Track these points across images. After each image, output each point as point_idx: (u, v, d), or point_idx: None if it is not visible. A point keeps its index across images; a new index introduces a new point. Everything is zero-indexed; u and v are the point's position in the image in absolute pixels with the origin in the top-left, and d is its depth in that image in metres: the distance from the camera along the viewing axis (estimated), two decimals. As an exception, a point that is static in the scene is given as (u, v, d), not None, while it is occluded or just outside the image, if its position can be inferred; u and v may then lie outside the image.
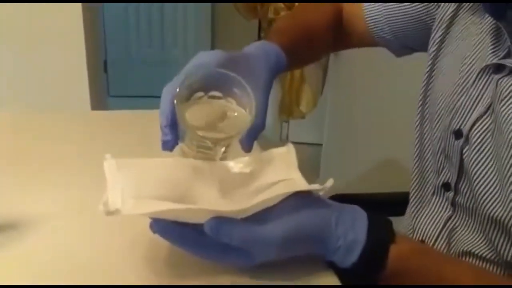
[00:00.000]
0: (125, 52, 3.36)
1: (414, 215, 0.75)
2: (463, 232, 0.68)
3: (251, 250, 0.50)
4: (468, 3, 0.69)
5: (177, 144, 0.59)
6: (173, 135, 0.58)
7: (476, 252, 0.65)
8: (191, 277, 0.56)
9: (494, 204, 0.60)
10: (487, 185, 0.61)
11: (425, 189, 0.74)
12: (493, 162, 0.60)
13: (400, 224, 0.80)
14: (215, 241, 0.50)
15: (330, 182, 0.53)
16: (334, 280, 0.56)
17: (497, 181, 0.60)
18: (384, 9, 0.80)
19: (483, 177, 0.61)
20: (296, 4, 2.08)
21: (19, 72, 1.62)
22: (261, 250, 0.51)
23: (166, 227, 0.51)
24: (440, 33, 0.73)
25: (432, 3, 0.76)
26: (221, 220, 0.49)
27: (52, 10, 1.55)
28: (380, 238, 0.52)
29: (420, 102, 0.75)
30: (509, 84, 0.60)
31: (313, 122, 2.47)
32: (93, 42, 1.78)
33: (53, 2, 1.53)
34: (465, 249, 0.67)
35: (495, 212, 0.60)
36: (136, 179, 0.54)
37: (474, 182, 0.62)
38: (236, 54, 0.63)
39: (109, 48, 3.31)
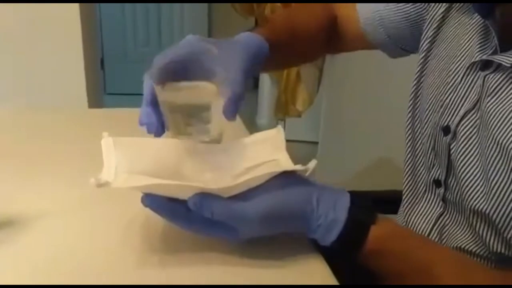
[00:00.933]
0: (121, 50, 3.36)
1: (407, 213, 0.76)
2: (453, 228, 0.69)
3: (235, 225, 0.52)
4: (458, 4, 0.70)
5: (162, 130, 0.61)
6: (157, 116, 0.61)
7: (467, 247, 0.66)
8: (187, 265, 0.57)
9: (479, 198, 0.61)
10: (472, 179, 0.62)
11: (418, 187, 0.75)
12: (479, 157, 0.61)
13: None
14: (202, 216, 0.52)
15: (313, 163, 0.56)
16: (320, 259, 0.58)
17: (482, 175, 0.61)
18: (377, 11, 0.81)
19: (468, 171, 0.62)
20: (293, 4, 2.08)
21: (16, 70, 1.62)
22: (244, 226, 0.53)
23: (157, 201, 0.53)
24: (431, 33, 0.74)
25: (421, 4, 0.77)
26: (203, 196, 0.51)
27: (49, 9, 1.55)
28: (360, 218, 0.54)
29: (411, 101, 0.76)
30: (496, 79, 0.61)
31: (309, 121, 2.48)
32: (90, 40, 1.78)
33: (50, 2, 1.53)
34: (456, 245, 0.67)
35: (480, 206, 0.61)
36: (130, 156, 0.57)
37: (460, 177, 0.63)
38: (210, 40, 0.66)
39: (105, 46, 3.31)
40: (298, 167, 0.55)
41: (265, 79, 2.91)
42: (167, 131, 0.63)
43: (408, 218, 0.75)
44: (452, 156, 0.65)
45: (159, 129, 0.61)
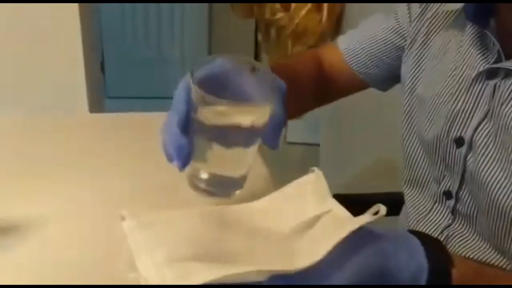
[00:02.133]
0: (122, 53, 3.36)
1: (412, 223, 0.75)
2: (460, 239, 0.69)
3: None
4: (440, 22, 0.71)
5: (191, 153, 0.54)
6: (189, 139, 0.54)
7: (475, 257, 0.66)
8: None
9: (508, 200, 0.61)
10: (497, 185, 0.61)
11: (425, 198, 0.74)
12: (499, 163, 0.61)
13: (395, 224, 0.81)
14: None
15: (383, 210, 0.49)
16: None
17: (506, 180, 0.61)
18: (360, 44, 0.81)
19: (491, 178, 0.62)
20: (292, 5, 2.08)
21: (16, 74, 1.62)
22: None
23: None
24: (415, 52, 0.74)
25: (399, 26, 0.77)
26: (282, 282, 0.44)
27: (48, 11, 1.54)
28: (440, 262, 0.50)
29: (406, 116, 0.76)
30: (508, 86, 0.61)
31: (310, 122, 2.48)
32: (90, 43, 1.77)
33: (49, 2, 1.52)
34: (462, 254, 0.68)
35: (509, 207, 0.61)
36: (163, 238, 0.47)
37: (485, 184, 0.63)
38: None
39: (105, 49, 3.31)
40: (367, 217, 0.48)
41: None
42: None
43: (412, 228, 0.74)
44: (470, 166, 0.65)
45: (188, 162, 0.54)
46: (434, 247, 0.50)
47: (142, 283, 0.43)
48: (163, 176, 0.81)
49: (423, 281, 0.49)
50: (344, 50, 0.83)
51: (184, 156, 0.54)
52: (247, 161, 0.59)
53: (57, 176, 0.80)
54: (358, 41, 0.82)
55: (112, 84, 3.33)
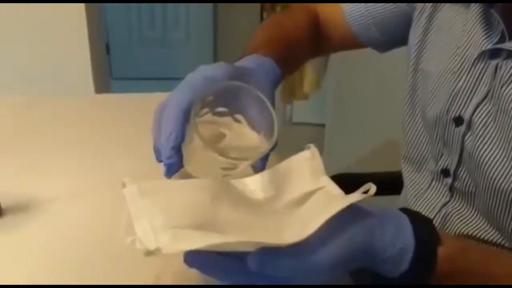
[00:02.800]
0: (127, 34, 3.35)
1: (410, 201, 0.76)
2: (457, 217, 0.69)
3: (298, 277, 0.47)
4: None
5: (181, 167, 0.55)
6: (179, 157, 0.54)
7: (473, 234, 0.67)
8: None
9: (505, 180, 0.61)
10: (495, 164, 0.61)
11: (422, 176, 0.75)
12: (497, 145, 0.61)
13: (395, 204, 0.81)
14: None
15: (373, 189, 0.49)
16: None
17: (504, 161, 0.61)
18: (366, 9, 0.80)
19: (489, 159, 0.62)
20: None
21: (21, 57, 1.63)
22: (309, 278, 0.47)
23: (206, 260, 0.46)
24: (423, 22, 0.73)
25: None
26: (266, 254, 0.45)
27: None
28: (427, 241, 0.50)
29: (409, 91, 0.75)
30: (509, 67, 0.61)
31: (316, 103, 2.47)
32: (95, 25, 1.77)
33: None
34: (460, 231, 0.68)
35: (505, 186, 0.61)
36: (161, 205, 0.48)
37: (482, 164, 0.63)
38: (240, 67, 0.61)
39: (110, 31, 3.30)
40: (358, 196, 0.48)
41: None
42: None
43: (411, 207, 0.75)
44: (468, 146, 0.65)
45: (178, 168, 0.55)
46: (423, 225, 0.51)
47: (138, 246, 0.44)
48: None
49: (407, 260, 0.49)
50: (348, 10, 0.81)
51: (173, 171, 0.55)
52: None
53: (64, 156, 0.81)
54: (364, 6, 0.80)
55: (118, 65, 3.33)
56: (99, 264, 0.58)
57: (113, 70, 3.32)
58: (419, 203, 0.74)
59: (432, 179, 0.73)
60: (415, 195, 0.75)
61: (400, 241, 0.49)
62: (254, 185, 0.54)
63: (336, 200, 0.49)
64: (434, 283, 0.50)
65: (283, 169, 0.55)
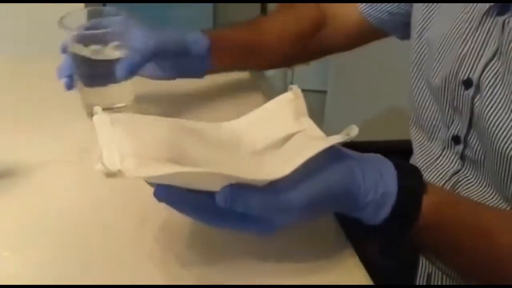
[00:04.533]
0: (126, 12, 3.30)
1: (421, 168, 0.74)
2: (468, 185, 0.68)
3: (273, 218, 0.46)
4: None
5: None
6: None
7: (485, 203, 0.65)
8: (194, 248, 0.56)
9: (511, 145, 0.59)
10: (502, 127, 0.59)
11: (433, 144, 0.73)
12: (504, 106, 0.59)
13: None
14: (233, 210, 0.44)
15: (355, 130, 0.48)
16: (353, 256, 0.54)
17: (510, 124, 0.58)
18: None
19: (497, 120, 0.60)
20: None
21: (26, 23, 1.61)
22: (283, 218, 0.46)
23: (176, 194, 0.45)
24: None
25: None
26: (236, 189, 0.43)
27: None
28: (411, 188, 0.48)
29: (416, 56, 0.73)
30: None
31: (317, 69, 2.44)
32: (93, 4, 1.74)
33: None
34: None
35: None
36: (132, 136, 0.48)
37: (489, 128, 0.61)
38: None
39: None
40: (339, 137, 0.47)
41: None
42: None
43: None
44: (477, 109, 0.63)
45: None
46: (409, 173, 0.49)
47: (99, 167, 0.43)
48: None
49: (387, 208, 0.47)
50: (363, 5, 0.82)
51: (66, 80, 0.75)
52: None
53: (57, 119, 0.80)
54: None
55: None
56: (94, 232, 0.58)
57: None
58: (429, 171, 0.73)
59: (444, 147, 0.71)
60: (426, 164, 0.74)
61: (382, 185, 0.47)
62: (235, 127, 0.54)
63: (316, 141, 0.48)
64: (418, 232, 0.49)
65: (265, 111, 0.54)
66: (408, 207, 0.48)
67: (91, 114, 0.70)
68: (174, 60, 0.75)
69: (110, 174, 0.43)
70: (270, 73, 2.91)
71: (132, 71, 0.72)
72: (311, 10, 0.86)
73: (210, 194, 0.44)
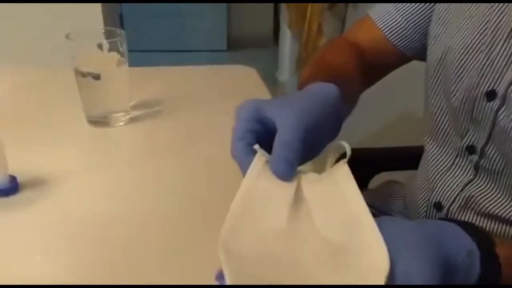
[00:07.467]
0: (140, 6, 3.33)
1: (433, 179, 0.74)
2: (482, 195, 0.68)
3: None
4: None
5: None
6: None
7: (499, 213, 0.66)
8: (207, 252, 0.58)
9: None
10: None
11: (446, 152, 0.73)
12: None
13: (414, 178, 0.81)
14: None
15: (347, 149, 0.48)
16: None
17: None
18: (396, 12, 0.78)
19: None
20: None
21: (35, 28, 1.63)
22: None
23: None
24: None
25: None
26: None
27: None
28: (485, 241, 0.47)
29: (438, 64, 0.72)
30: None
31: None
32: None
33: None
34: (484, 211, 0.67)
35: None
36: (257, 217, 0.45)
37: None
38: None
39: (124, 5, 3.29)
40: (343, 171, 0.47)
41: (286, 34, 2.87)
42: None
43: (434, 183, 0.74)
44: (501, 122, 0.62)
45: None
46: (471, 228, 0.48)
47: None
48: (182, 125, 0.81)
49: (477, 261, 0.46)
50: (384, 27, 0.79)
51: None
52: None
53: (84, 130, 0.82)
54: (394, 10, 0.77)
55: (131, 38, 3.31)
56: (117, 240, 0.59)
57: (127, 42, 3.30)
58: (442, 180, 0.72)
59: (456, 156, 0.71)
60: (438, 172, 0.73)
61: (464, 244, 0.46)
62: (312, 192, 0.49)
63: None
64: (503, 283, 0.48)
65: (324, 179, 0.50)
66: (492, 258, 0.47)
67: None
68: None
69: None
70: (284, 79, 2.93)
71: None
72: (348, 47, 0.82)
73: None
